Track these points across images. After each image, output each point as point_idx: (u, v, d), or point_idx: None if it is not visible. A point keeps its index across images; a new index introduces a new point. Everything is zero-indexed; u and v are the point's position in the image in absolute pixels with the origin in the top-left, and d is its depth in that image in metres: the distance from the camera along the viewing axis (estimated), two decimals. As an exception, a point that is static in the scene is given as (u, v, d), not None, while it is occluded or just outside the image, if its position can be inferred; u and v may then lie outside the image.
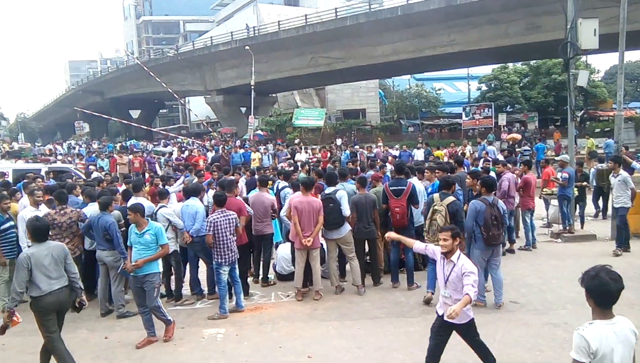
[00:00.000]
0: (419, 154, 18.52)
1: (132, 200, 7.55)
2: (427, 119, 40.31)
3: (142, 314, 5.98)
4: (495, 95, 37.12)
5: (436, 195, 6.77)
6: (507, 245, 9.37)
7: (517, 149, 21.97)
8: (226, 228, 6.62)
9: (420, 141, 24.34)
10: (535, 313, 6.41)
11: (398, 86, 45.95)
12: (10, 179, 11.49)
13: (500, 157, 14.09)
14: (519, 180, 9.66)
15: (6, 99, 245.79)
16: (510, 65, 39.41)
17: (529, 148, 21.43)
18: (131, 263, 5.92)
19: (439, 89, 43.43)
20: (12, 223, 7.30)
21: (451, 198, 6.58)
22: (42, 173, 12.19)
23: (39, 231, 4.92)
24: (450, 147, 19.43)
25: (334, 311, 6.80)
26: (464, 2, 25.13)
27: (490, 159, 12.36)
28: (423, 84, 43.01)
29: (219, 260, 6.62)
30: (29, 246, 5.62)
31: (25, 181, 10.74)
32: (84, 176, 13.71)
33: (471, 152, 18.75)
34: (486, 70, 41.72)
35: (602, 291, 2.69)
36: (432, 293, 6.69)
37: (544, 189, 11.31)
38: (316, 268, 7.32)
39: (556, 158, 14.29)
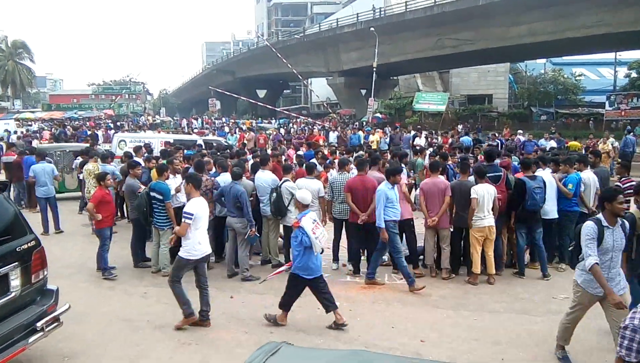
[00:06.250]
0: (552, 145, 17.03)
1: (259, 173, 8.02)
2: (563, 108, 36.76)
3: None
4: (648, 83, 32.77)
5: None
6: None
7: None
8: None
9: (553, 131, 22.36)
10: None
11: (533, 70, 42.54)
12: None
13: None
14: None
15: (151, 76, 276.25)
16: (671, 49, 34.38)
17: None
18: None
19: (579, 75, 39.36)
20: None
21: None
22: (197, 144, 13.48)
23: None
24: (589, 139, 17.62)
25: (450, 300, 6.63)
26: (619, -23, 22.43)
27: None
28: (561, 69, 39.29)
29: None
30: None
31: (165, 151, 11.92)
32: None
33: (614, 145, 16.84)
34: (638, 55, 36.91)
35: None
36: None
37: None
38: (444, 248, 7.46)
39: None
